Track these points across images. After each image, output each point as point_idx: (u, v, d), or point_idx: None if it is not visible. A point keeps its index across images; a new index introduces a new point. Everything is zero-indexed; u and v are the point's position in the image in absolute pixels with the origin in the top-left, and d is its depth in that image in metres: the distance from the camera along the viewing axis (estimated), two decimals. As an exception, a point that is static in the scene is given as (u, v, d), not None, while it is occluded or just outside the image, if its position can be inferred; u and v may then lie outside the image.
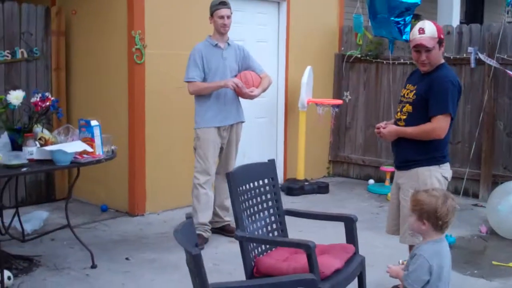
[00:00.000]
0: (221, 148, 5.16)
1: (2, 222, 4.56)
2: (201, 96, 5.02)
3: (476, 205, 6.45)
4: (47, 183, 6.30)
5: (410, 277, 2.67)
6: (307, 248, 2.93)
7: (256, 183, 3.44)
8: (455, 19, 8.80)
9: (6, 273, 3.97)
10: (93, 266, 4.48)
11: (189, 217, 2.27)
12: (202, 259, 1.99)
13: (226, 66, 5.04)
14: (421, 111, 3.64)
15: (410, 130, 3.66)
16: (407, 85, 3.83)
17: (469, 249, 5.13)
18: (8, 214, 4.97)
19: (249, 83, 5.04)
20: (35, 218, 5.42)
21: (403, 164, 3.77)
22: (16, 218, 4.94)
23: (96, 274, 4.36)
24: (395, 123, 3.83)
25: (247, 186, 3.37)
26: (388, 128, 3.76)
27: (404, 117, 3.73)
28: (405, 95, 3.77)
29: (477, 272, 4.55)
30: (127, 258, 4.71)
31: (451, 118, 3.63)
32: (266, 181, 3.51)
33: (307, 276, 2.51)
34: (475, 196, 6.58)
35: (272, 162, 3.59)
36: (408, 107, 3.71)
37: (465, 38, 6.82)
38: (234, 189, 3.22)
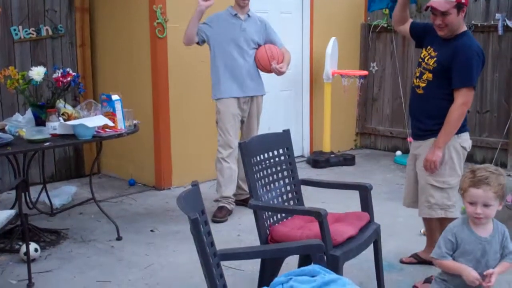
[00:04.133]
0: (242, 122, 5.18)
1: (30, 197, 4.67)
2: (213, 67, 5.04)
3: (504, 174, 6.34)
4: (76, 159, 6.44)
5: None
6: (318, 216, 2.95)
7: (270, 153, 3.44)
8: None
9: (33, 245, 4.09)
10: (119, 238, 4.58)
11: (195, 184, 2.30)
12: (200, 224, 2.02)
13: (243, 38, 5.00)
14: (442, 80, 3.51)
15: (444, 132, 3.49)
16: (428, 46, 3.65)
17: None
18: (38, 189, 5.11)
19: (275, 57, 5.02)
20: (63, 193, 5.55)
21: (420, 133, 3.68)
22: (44, 194, 5.07)
23: (121, 246, 4.47)
24: (413, 89, 3.71)
25: (261, 156, 3.37)
26: (427, 155, 3.54)
27: (424, 84, 3.60)
28: (425, 60, 3.62)
29: (500, 240, 4.50)
30: (151, 230, 4.80)
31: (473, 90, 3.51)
32: (281, 151, 3.51)
33: (314, 241, 2.53)
34: (503, 165, 6.48)
35: (287, 132, 3.58)
36: (428, 75, 3.57)
37: (493, 4, 6.66)
38: (247, 160, 3.24)
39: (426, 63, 3.61)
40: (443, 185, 3.57)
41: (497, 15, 6.47)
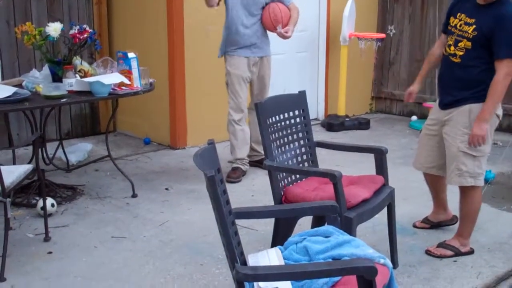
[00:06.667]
0: (251, 84, 5.12)
1: (46, 153, 4.73)
2: (225, 26, 4.97)
3: (520, 141, 6.31)
4: (92, 117, 6.48)
5: None
6: (333, 177, 2.96)
7: (286, 115, 3.43)
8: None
9: (50, 200, 4.15)
10: (134, 195, 4.64)
11: (211, 142, 2.31)
12: (216, 181, 2.04)
13: (253, 1, 4.88)
14: (481, 50, 3.37)
15: (489, 104, 3.37)
16: (458, 13, 3.50)
17: (508, 185, 5.06)
18: (54, 146, 5.16)
19: (278, 18, 4.88)
20: (79, 149, 5.62)
21: (452, 103, 3.54)
22: (61, 150, 5.13)
23: (136, 203, 4.52)
24: (446, 58, 3.55)
25: (277, 117, 3.36)
26: (474, 130, 3.41)
27: (461, 53, 3.45)
28: (458, 27, 3.47)
29: (513, 207, 4.52)
30: (166, 189, 4.85)
31: None
32: (296, 112, 3.50)
33: (329, 203, 2.54)
34: (520, 132, 6.44)
35: (302, 93, 3.56)
36: (466, 43, 3.42)
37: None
38: (263, 120, 3.23)
39: (461, 30, 3.45)
40: (477, 153, 3.48)
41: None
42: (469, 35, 3.41)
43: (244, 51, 4.95)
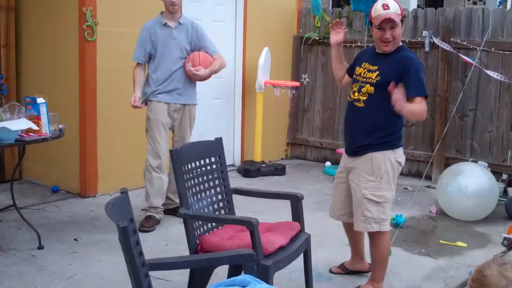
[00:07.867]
0: (172, 130, 5.07)
1: None
2: (148, 69, 4.98)
3: (428, 186, 6.53)
4: (-4, 164, 6.16)
5: None
6: (250, 225, 2.91)
7: (202, 162, 3.39)
8: (413, 3, 8.86)
9: None
10: (40, 247, 4.40)
11: (124, 191, 2.21)
12: (129, 232, 1.95)
13: (176, 47, 4.90)
14: (384, 94, 3.47)
15: (414, 107, 3.49)
16: (363, 63, 3.66)
17: (418, 228, 5.20)
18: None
19: (196, 64, 4.91)
20: (-18, 198, 5.30)
21: (357, 150, 3.65)
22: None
23: (43, 255, 4.29)
24: (351, 104, 3.68)
25: (193, 164, 3.31)
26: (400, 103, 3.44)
27: (364, 98, 3.58)
28: (362, 74, 3.62)
29: (424, 250, 4.62)
30: (75, 239, 4.64)
31: None
32: (212, 159, 3.46)
33: (246, 251, 2.49)
34: (428, 178, 6.66)
35: (219, 140, 3.54)
36: (369, 88, 3.56)
37: (420, 22, 6.89)
38: (178, 167, 3.17)
39: (365, 77, 3.60)
40: (380, 199, 3.57)
41: (425, 32, 6.66)
42: (373, 80, 3.56)
43: (164, 96, 4.90)
